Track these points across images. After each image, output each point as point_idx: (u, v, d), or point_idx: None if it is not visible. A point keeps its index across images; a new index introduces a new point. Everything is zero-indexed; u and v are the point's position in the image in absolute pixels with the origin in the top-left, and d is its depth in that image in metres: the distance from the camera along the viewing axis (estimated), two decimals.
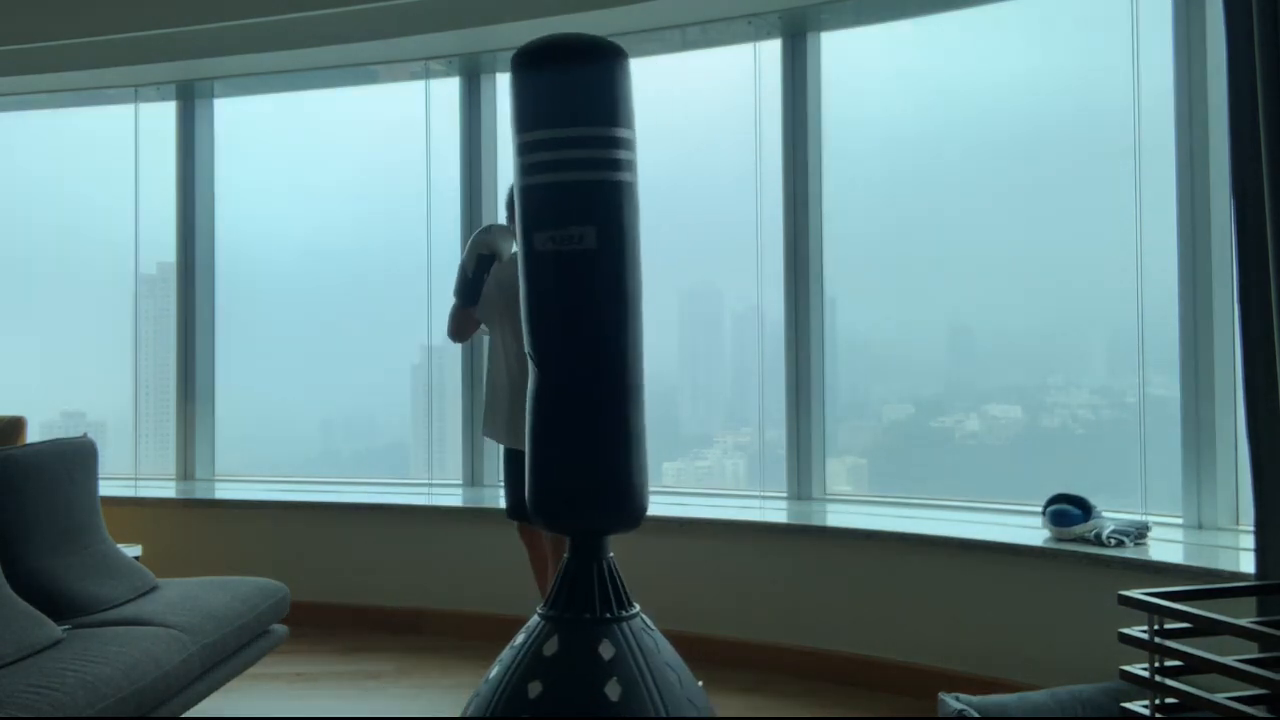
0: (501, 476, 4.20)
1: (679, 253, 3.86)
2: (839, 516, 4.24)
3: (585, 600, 2.60)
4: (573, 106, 2.61)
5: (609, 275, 2.61)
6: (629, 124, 2.65)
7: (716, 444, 5.14)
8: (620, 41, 2.75)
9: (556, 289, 2.63)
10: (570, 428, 2.65)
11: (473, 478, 5.15)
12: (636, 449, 2.66)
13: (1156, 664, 2.44)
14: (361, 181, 5.52)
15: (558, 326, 2.64)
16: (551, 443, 2.66)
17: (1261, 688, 2.21)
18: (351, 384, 5.66)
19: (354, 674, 4.15)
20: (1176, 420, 3.67)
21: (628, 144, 2.64)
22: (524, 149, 2.64)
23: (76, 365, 5.88)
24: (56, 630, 2.90)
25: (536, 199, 2.63)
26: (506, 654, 2.62)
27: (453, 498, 5.00)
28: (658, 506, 4.39)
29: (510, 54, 2.63)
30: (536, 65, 2.64)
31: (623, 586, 2.66)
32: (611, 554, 2.69)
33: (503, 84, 5.15)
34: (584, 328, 2.63)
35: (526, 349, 2.71)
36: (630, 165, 2.64)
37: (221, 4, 4.86)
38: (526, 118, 2.65)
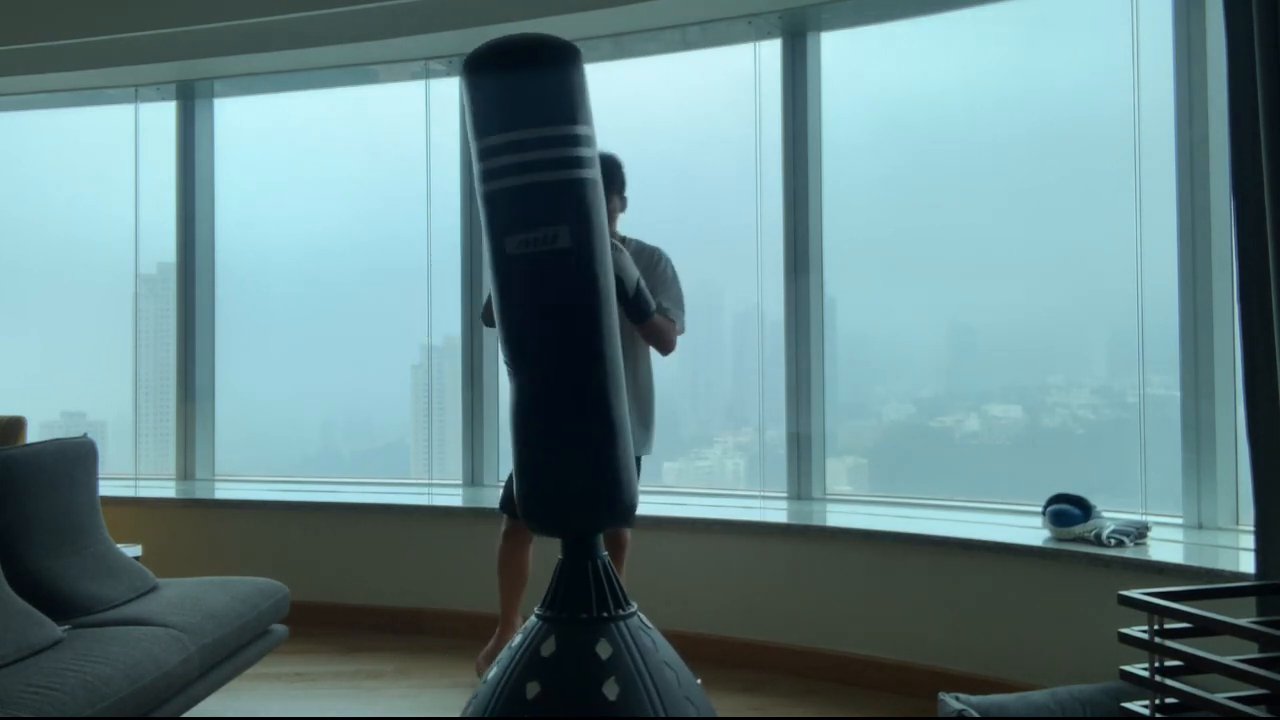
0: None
1: (679, 252, 3.86)
2: (839, 516, 4.24)
3: (582, 600, 2.60)
4: (532, 107, 2.55)
5: (584, 272, 2.58)
6: (588, 120, 2.60)
7: (716, 444, 5.14)
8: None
9: (533, 291, 2.59)
10: (554, 430, 2.63)
11: (473, 478, 5.15)
12: (621, 444, 2.63)
13: (1156, 664, 2.44)
14: (362, 182, 5.52)
15: (537, 329, 2.61)
16: (536, 447, 2.64)
17: (1261, 688, 2.21)
18: (351, 384, 5.66)
19: (354, 674, 4.15)
20: (1176, 420, 3.67)
21: (588, 141, 2.59)
22: (485, 154, 2.58)
23: (76, 365, 5.88)
24: (56, 630, 2.90)
25: (504, 203, 2.59)
26: (504, 655, 2.62)
27: (453, 498, 5.00)
28: (658, 506, 4.43)
29: None
30: (490, 68, 2.59)
31: (619, 585, 2.66)
32: (605, 553, 2.69)
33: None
34: (562, 327, 2.60)
35: (503, 358, 2.67)
36: (593, 162, 2.60)
37: (221, 4, 4.86)
38: (484, 122, 2.58)
